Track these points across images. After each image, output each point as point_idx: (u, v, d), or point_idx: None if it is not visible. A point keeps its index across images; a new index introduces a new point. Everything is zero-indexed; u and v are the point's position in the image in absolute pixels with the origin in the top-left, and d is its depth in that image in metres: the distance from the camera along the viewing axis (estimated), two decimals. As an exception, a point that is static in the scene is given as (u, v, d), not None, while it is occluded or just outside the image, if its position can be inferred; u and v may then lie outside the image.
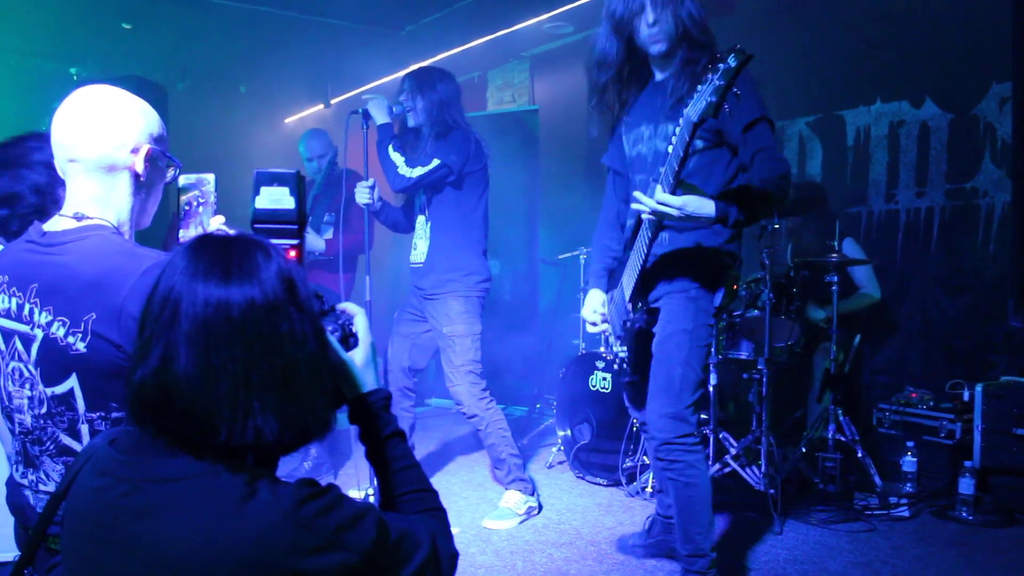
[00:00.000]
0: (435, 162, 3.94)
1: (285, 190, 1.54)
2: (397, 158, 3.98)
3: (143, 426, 1.20)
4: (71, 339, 1.60)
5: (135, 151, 1.71)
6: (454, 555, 1.40)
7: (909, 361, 5.08)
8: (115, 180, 1.72)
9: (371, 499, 3.99)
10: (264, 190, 1.54)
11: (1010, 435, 4.08)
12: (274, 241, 1.31)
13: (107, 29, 6.73)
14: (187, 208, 1.84)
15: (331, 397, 1.30)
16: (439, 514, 1.45)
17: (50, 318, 1.62)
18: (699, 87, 2.39)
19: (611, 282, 3.28)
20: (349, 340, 1.49)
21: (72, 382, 1.63)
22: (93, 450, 1.27)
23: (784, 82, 5.65)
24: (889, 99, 5.18)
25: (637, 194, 2.60)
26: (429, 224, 4.15)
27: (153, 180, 1.79)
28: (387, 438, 1.47)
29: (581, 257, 5.63)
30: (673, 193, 2.53)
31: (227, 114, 8.34)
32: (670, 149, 2.53)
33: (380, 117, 4.04)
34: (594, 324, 3.29)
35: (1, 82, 6.67)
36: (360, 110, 4.09)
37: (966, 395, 4.34)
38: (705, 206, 2.56)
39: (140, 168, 1.72)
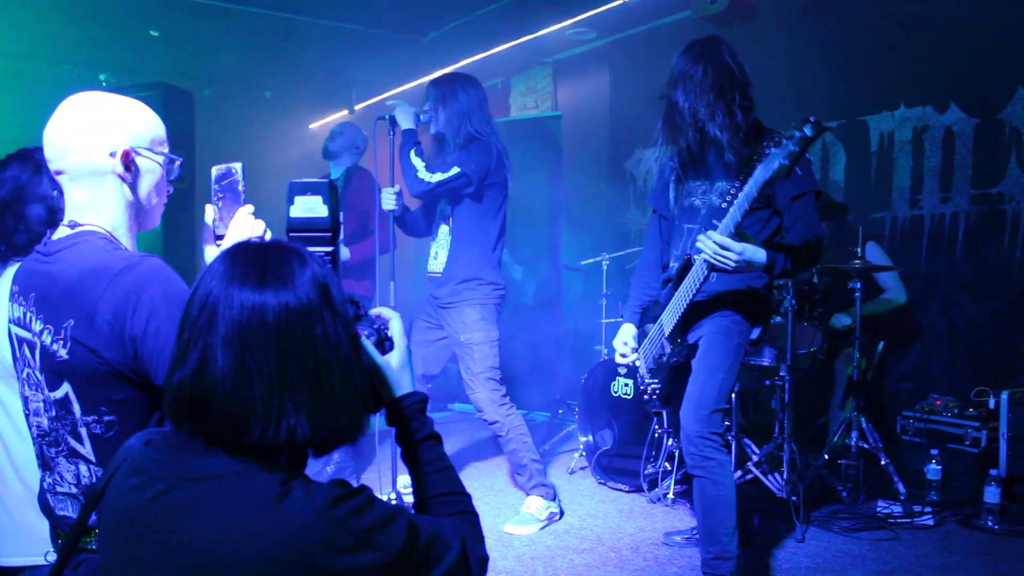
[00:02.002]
0: (455, 170, 3.96)
1: (318, 199, 1.57)
2: (418, 162, 4.02)
3: (180, 426, 1.23)
4: (55, 346, 1.64)
5: (113, 154, 1.71)
6: (484, 558, 1.41)
7: (933, 368, 5.05)
8: (102, 185, 1.73)
9: (393, 502, 4.01)
10: (298, 199, 1.57)
11: (1037, 443, 4.04)
12: (309, 249, 1.34)
13: (135, 36, 6.82)
14: (220, 199, 1.87)
15: (364, 400, 1.32)
16: (471, 517, 1.46)
17: (41, 326, 1.66)
18: (773, 150, 2.71)
19: (644, 318, 3.50)
20: (384, 344, 1.51)
21: (66, 387, 1.67)
22: (129, 450, 1.31)
23: (807, 87, 5.63)
24: (913, 104, 5.15)
25: (702, 238, 2.86)
26: (451, 235, 4.17)
27: (144, 181, 1.78)
28: (421, 440, 1.49)
29: (604, 263, 5.63)
30: (732, 239, 2.83)
31: (253, 120, 8.43)
32: (724, 204, 2.89)
33: (405, 123, 4.07)
34: (623, 356, 3.49)
35: (31, 88, 6.77)
36: (387, 116, 4.12)
37: (992, 403, 4.30)
38: (758, 253, 2.86)
39: (120, 170, 1.72)
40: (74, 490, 1.72)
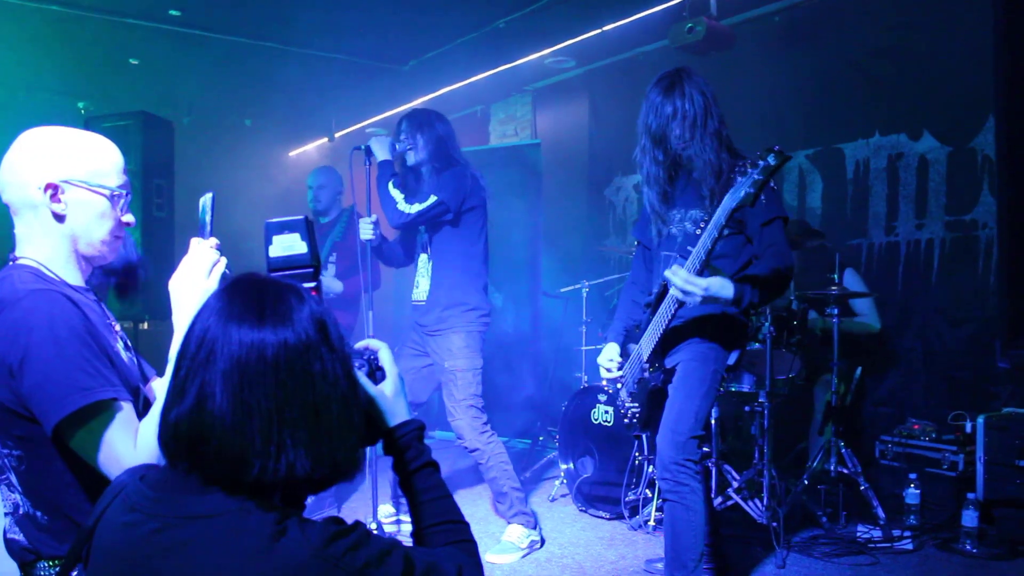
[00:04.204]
0: (432, 198, 3.99)
1: (296, 236, 1.56)
2: (396, 194, 4.04)
3: (176, 463, 1.22)
4: None
5: (41, 188, 1.72)
6: None
7: (911, 393, 5.08)
8: (37, 218, 1.75)
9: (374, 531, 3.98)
10: (276, 239, 1.56)
11: (1013, 467, 4.07)
12: None
13: (115, 65, 6.83)
14: (200, 231, 1.87)
15: (361, 436, 1.32)
16: (468, 546, 1.46)
17: None
18: (739, 179, 2.73)
19: (627, 339, 3.50)
20: (376, 374, 1.52)
21: None
22: (121, 486, 1.29)
23: (783, 115, 5.71)
24: (888, 132, 5.22)
25: (670, 272, 2.88)
26: (431, 262, 4.18)
27: (80, 214, 1.78)
28: (418, 469, 1.48)
29: (583, 290, 5.65)
30: (700, 274, 2.86)
31: (233, 148, 8.43)
32: (698, 231, 2.88)
33: (381, 154, 4.10)
34: (608, 371, 3.47)
35: (9, 116, 6.74)
36: (362, 146, 4.15)
37: (968, 427, 4.34)
38: (725, 287, 2.87)
39: (49, 203, 1.73)
40: (13, 517, 1.72)
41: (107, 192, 1.79)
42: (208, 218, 1.84)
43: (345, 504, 4.88)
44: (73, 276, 1.78)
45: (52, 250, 1.76)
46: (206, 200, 1.85)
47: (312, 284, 1.55)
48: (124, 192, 1.83)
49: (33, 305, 1.62)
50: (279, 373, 1.19)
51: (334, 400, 1.23)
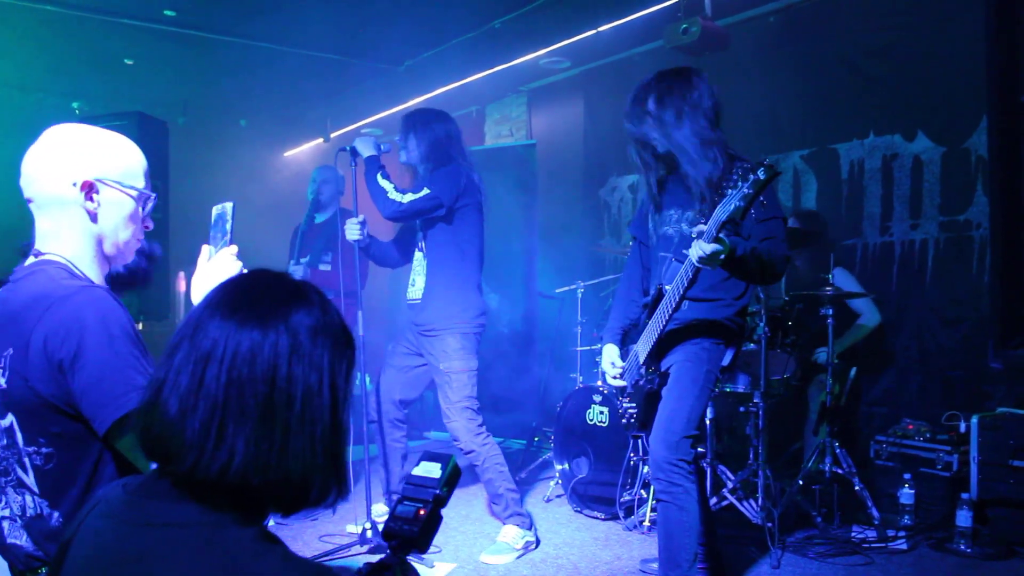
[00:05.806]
0: (425, 191, 3.99)
1: (438, 466, 1.45)
2: (386, 184, 4.04)
3: (160, 466, 1.18)
4: None
5: (77, 186, 1.72)
6: None
7: (906, 393, 5.09)
8: (66, 215, 1.74)
9: (368, 533, 3.98)
10: (424, 463, 1.46)
11: (1007, 467, 4.07)
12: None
13: (109, 65, 6.81)
14: (215, 239, 1.88)
15: (331, 457, 1.22)
16: None
17: None
18: (730, 190, 2.69)
19: (625, 340, 3.49)
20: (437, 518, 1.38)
21: (11, 417, 1.65)
22: (104, 494, 1.24)
23: (778, 116, 5.71)
24: (882, 132, 5.23)
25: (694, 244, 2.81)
26: (427, 260, 4.18)
27: (110, 213, 1.78)
28: None
29: (579, 291, 5.65)
30: (693, 279, 2.89)
31: (228, 148, 8.43)
32: (694, 235, 2.80)
33: (366, 151, 4.12)
34: (615, 377, 3.44)
35: (3, 116, 6.73)
36: (347, 147, 4.16)
37: (962, 427, 4.35)
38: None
39: (83, 201, 1.73)
40: (19, 521, 1.70)
41: (135, 193, 1.81)
42: (228, 226, 1.86)
43: (340, 504, 4.86)
44: (96, 275, 1.78)
45: (79, 248, 1.75)
46: (226, 208, 1.86)
47: (424, 506, 1.40)
48: (151, 195, 1.85)
49: (85, 302, 1.61)
50: (235, 365, 1.12)
51: (295, 402, 1.15)
